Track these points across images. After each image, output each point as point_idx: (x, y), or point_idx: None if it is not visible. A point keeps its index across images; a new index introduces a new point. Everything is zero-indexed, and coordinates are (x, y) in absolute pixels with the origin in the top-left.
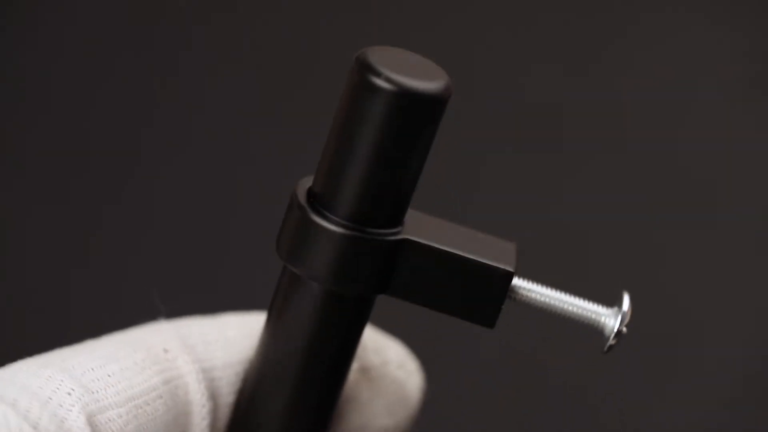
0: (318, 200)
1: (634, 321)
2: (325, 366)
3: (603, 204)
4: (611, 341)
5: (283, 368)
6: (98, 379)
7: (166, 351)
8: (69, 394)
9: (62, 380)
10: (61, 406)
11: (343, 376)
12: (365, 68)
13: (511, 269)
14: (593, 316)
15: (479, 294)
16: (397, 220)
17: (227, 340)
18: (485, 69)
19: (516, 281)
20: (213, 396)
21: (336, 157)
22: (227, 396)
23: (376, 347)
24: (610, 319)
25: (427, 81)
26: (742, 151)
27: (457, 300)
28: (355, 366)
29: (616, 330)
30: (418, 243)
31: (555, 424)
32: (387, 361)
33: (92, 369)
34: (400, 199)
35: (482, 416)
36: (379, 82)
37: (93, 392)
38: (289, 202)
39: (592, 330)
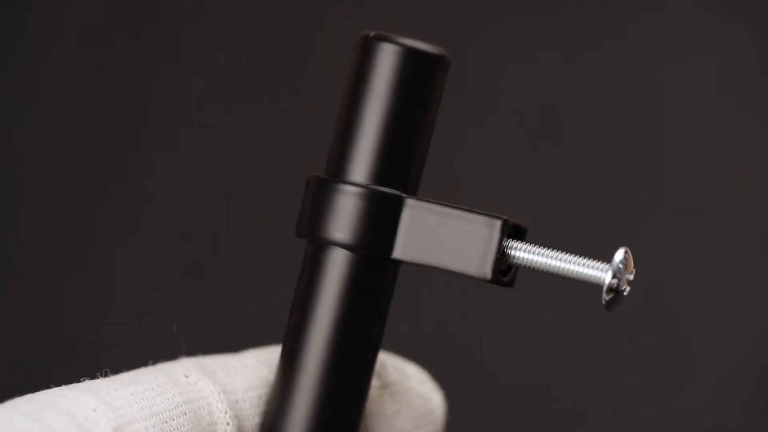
0: (331, 174)
1: (633, 318)
2: (358, 337)
3: (599, 203)
4: (605, 296)
5: (314, 352)
6: (122, 398)
7: (186, 376)
8: (94, 410)
9: (87, 399)
10: (87, 419)
11: (374, 353)
12: (373, 38)
13: (503, 218)
14: (588, 271)
15: (475, 245)
16: (404, 183)
17: (246, 368)
18: (484, 67)
19: (512, 242)
20: (237, 417)
21: (348, 126)
22: (252, 417)
23: (395, 365)
24: (605, 274)
25: (429, 45)
26: (741, 146)
27: (455, 254)
28: (376, 383)
29: (607, 284)
30: (420, 204)
31: (549, 424)
32: (408, 377)
33: (115, 389)
34: (409, 160)
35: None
36: (388, 45)
37: (117, 408)
38: (305, 187)
39: (591, 287)
